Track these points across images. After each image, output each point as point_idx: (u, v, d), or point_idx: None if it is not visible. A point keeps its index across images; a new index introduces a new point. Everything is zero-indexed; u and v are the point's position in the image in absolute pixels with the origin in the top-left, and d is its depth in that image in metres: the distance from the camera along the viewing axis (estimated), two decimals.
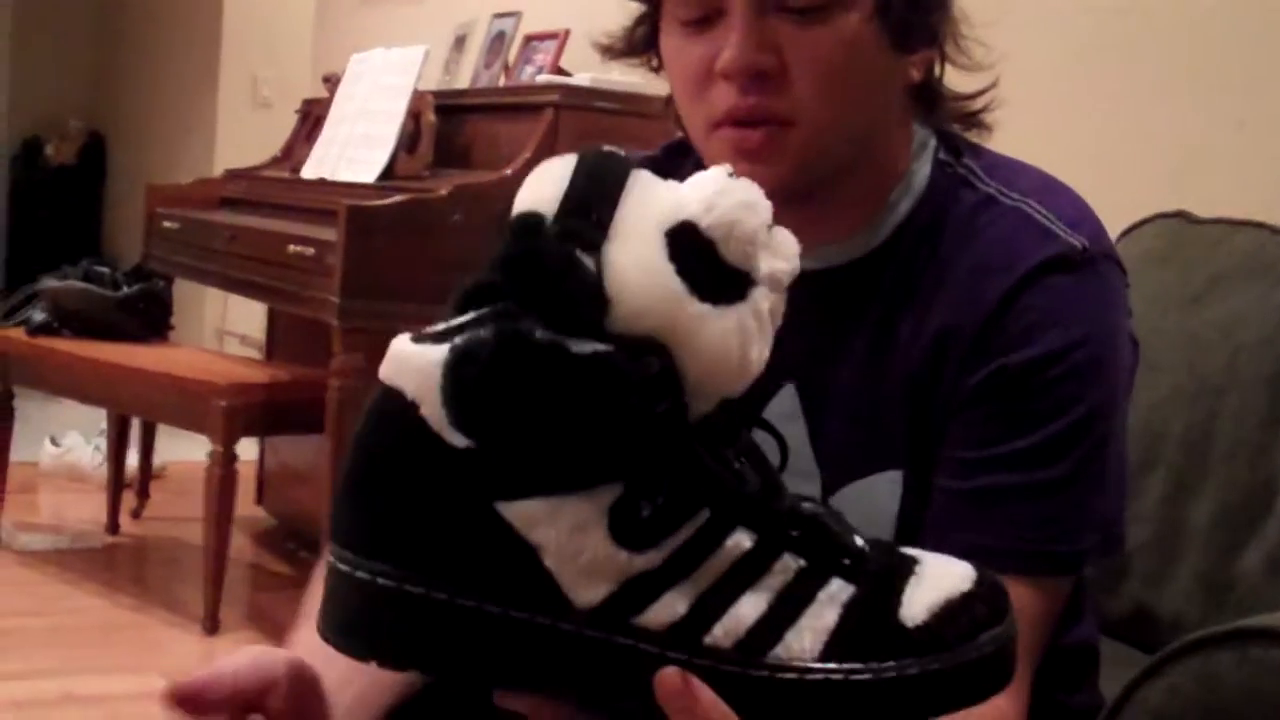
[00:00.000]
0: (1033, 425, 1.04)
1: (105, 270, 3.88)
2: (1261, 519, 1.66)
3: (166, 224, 4.07)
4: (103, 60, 7.46)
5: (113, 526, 4.04)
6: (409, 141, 3.44)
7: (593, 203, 0.72)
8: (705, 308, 0.72)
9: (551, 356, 0.69)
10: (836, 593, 0.76)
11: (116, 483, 4.03)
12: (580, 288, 0.70)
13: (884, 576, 0.78)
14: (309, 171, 3.77)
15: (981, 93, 1.17)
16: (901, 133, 1.14)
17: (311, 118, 4.21)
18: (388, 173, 3.42)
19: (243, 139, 5.56)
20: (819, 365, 1.14)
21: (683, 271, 0.71)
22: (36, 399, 4.13)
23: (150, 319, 3.86)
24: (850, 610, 0.75)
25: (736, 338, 0.73)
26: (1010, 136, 1.20)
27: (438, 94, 3.58)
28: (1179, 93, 2.32)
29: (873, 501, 1.12)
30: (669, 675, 0.72)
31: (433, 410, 0.71)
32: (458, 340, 0.70)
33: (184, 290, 4.31)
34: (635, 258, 0.71)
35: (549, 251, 0.71)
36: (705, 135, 1.09)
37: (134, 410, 3.82)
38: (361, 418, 0.74)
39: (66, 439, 4.63)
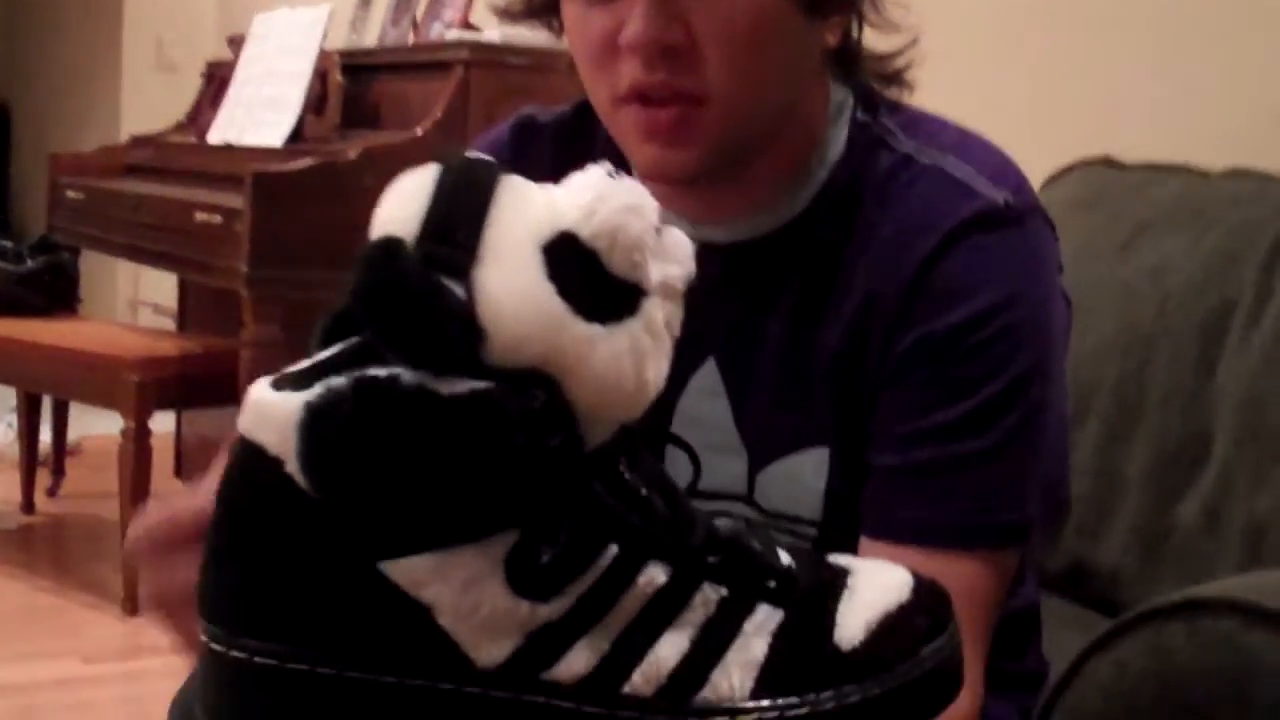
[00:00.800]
0: (965, 392, 1.00)
1: (8, 244, 3.79)
2: (1197, 468, 1.64)
3: (71, 194, 3.97)
4: (3, 29, 7.28)
5: (27, 506, 3.96)
6: (316, 103, 3.38)
7: (457, 221, 0.64)
8: (593, 329, 0.64)
9: (419, 403, 0.62)
10: (764, 621, 0.70)
11: (30, 461, 3.94)
12: (449, 319, 0.62)
13: (814, 597, 0.72)
14: (215, 136, 3.70)
15: (901, 51, 1.12)
16: (818, 96, 1.09)
17: (216, 80, 4.12)
18: (295, 136, 3.35)
19: (148, 103, 5.42)
20: (741, 339, 1.10)
21: (565, 291, 0.64)
22: None
23: (56, 292, 3.77)
24: (780, 639, 0.70)
25: (630, 358, 0.66)
26: (931, 88, 1.16)
27: (344, 53, 3.51)
28: (1100, 37, 2.29)
29: (800, 479, 1.08)
30: None
31: (295, 469, 0.63)
32: (311, 394, 0.62)
33: (95, 261, 4.21)
34: (509, 280, 0.64)
35: (410, 280, 0.63)
36: (610, 110, 1.03)
37: (43, 387, 3.74)
38: (223, 474, 0.67)
39: None
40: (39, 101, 6.92)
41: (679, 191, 1.08)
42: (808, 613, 0.71)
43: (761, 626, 0.70)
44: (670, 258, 0.70)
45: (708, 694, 0.68)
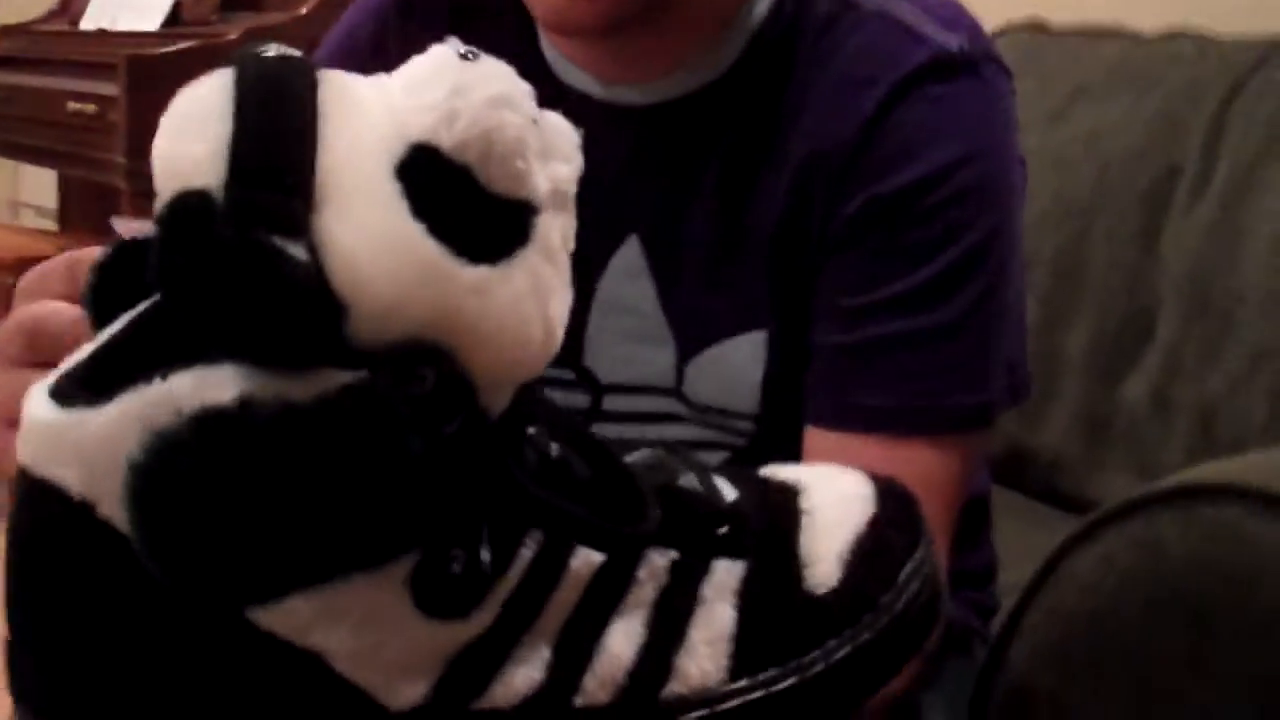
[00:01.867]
0: (919, 259, 0.90)
1: None
2: (1141, 346, 1.57)
3: None
4: None
5: None
6: None
7: (276, 152, 0.47)
8: (480, 271, 0.49)
9: (283, 427, 0.46)
10: (724, 580, 0.58)
11: None
12: (289, 294, 0.45)
13: (772, 534, 0.60)
14: (88, 22, 3.52)
15: None
16: None
17: None
18: (173, 19, 3.20)
19: None
20: (666, 213, 0.98)
21: (436, 228, 0.48)
22: None
23: None
24: (746, 597, 0.57)
25: (532, 299, 0.51)
26: None
27: None
28: None
29: (735, 366, 0.97)
30: None
31: (118, 512, 0.47)
32: (133, 442, 0.46)
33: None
34: (363, 226, 0.47)
35: (222, 251, 0.45)
36: None
37: None
38: (9, 528, 0.50)
39: None
40: None
41: (588, 45, 0.96)
42: (769, 557, 0.58)
43: (723, 587, 0.57)
44: (556, 154, 0.54)
45: (676, 686, 0.56)
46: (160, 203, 0.47)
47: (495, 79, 0.51)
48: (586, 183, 1.00)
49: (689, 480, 0.60)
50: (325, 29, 1.13)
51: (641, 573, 0.56)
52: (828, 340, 0.93)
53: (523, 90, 0.53)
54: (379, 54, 1.05)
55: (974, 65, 0.93)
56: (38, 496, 0.49)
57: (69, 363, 0.51)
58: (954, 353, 0.91)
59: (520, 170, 0.51)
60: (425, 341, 0.48)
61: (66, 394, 0.50)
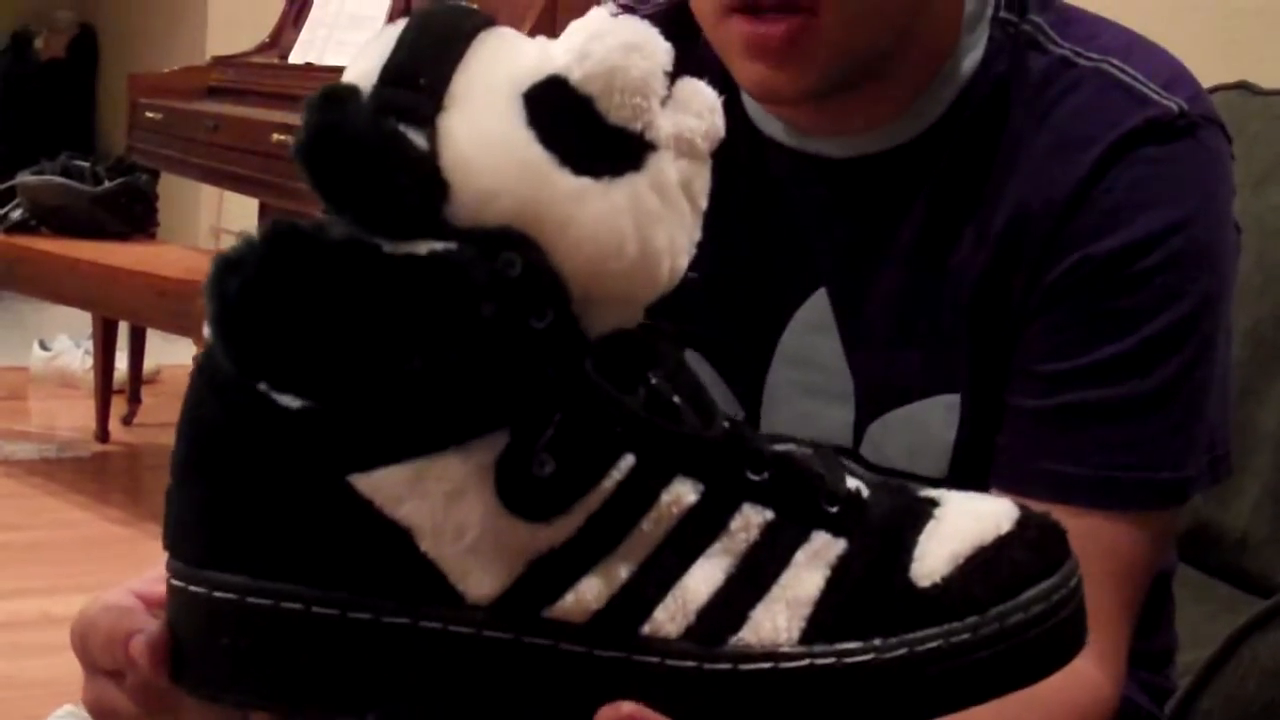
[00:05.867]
0: (1126, 326, 0.87)
1: (85, 164, 3.72)
2: None
3: (150, 115, 3.88)
4: None
5: (103, 434, 3.89)
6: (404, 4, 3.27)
7: (422, 66, 0.54)
8: (582, 182, 0.54)
9: (351, 257, 0.52)
10: (821, 550, 0.58)
11: (105, 388, 3.86)
12: (402, 169, 0.52)
13: (888, 525, 0.59)
14: (296, 56, 3.62)
15: None
16: None
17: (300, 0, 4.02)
18: None
19: (235, 25, 5.32)
20: (857, 267, 0.96)
21: (548, 140, 0.54)
22: (29, 301, 3.98)
23: (132, 215, 3.71)
24: (841, 571, 0.58)
25: (630, 218, 0.55)
26: None
27: None
28: None
29: (924, 430, 0.95)
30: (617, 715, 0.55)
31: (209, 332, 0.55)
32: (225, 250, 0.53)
33: (177, 185, 4.15)
34: (480, 127, 0.54)
35: (356, 127, 0.52)
36: (715, 21, 0.90)
37: (116, 312, 3.66)
38: (189, 385, 0.58)
39: (56, 342, 4.47)
40: (125, 24, 6.89)
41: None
42: (878, 542, 0.58)
43: (817, 556, 0.58)
44: (688, 108, 0.58)
45: (746, 635, 0.57)
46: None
47: (632, 29, 0.57)
48: (775, 232, 0.99)
49: (814, 464, 0.60)
50: None
51: (734, 523, 0.57)
52: (1023, 404, 0.91)
53: (662, 47, 0.58)
54: None
55: (1193, 128, 0.90)
56: (208, 360, 0.56)
57: None
58: (1155, 426, 0.88)
59: (640, 106, 0.56)
60: (518, 233, 0.54)
61: None
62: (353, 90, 0.54)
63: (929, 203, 0.94)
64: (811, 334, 0.99)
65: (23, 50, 7.25)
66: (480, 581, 0.55)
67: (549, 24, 2.97)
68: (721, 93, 0.98)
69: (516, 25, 2.38)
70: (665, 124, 0.57)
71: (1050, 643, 0.59)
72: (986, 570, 0.58)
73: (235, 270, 0.53)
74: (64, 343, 4.45)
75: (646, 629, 0.56)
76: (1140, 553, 0.89)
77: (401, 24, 0.56)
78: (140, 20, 6.67)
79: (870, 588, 0.58)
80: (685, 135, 0.57)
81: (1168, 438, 0.89)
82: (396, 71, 0.54)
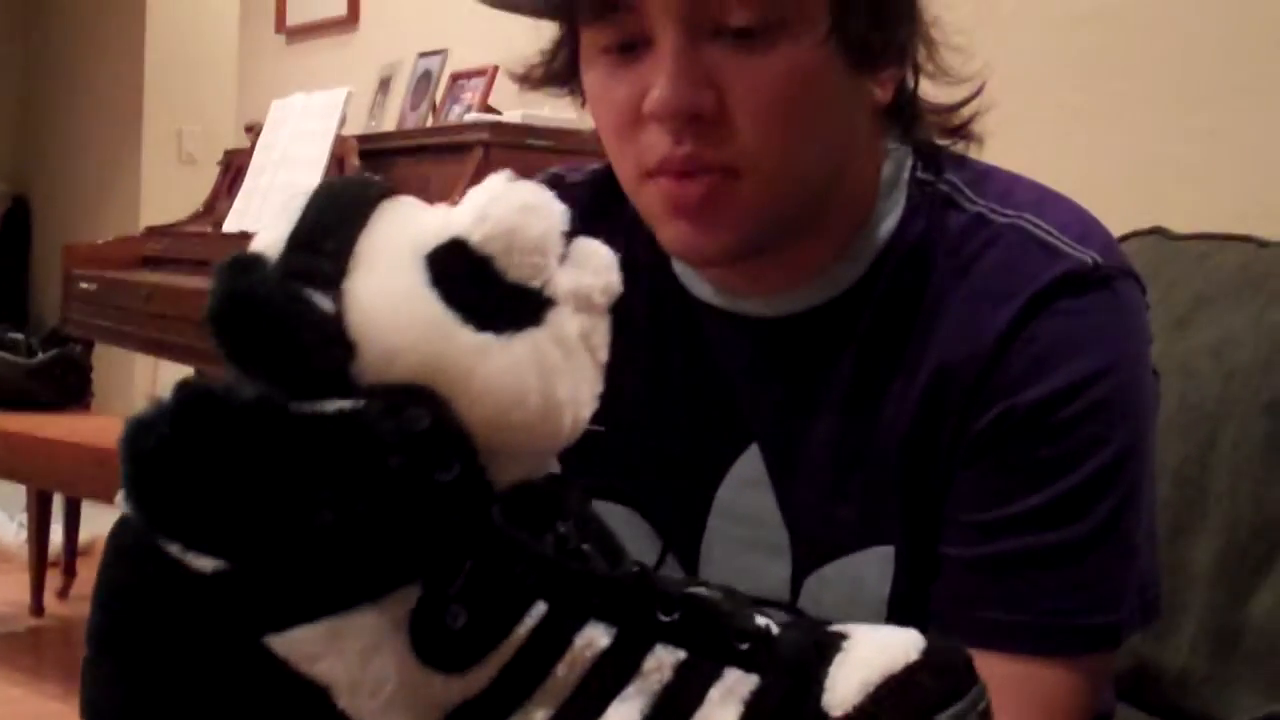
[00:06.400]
0: (1052, 475, 0.89)
1: (18, 337, 3.71)
2: (1271, 558, 1.51)
3: (84, 285, 3.89)
4: (24, 122, 7.27)
5: (37, 608, 3.82)
6: None
7: (326, 231, 0.57)
8: (484, 337, 0.57)
9: (257, 417, 0.53)
10: (734, 686, 0.60)
11: (40, 561, 3.80)
12: (308, 331, 0.54)
13: (799, 659, 0.61)
14: (231, 225, 3.62)
15: (965, 102, 1.01)
16: (871, 155, 0.98)
17: (233, 169, 4.05)
18: None
19: (168, 197, 5.38)
20: (788, 422, 0.98)
21: (449, 297, 0.56)
22: None
23: (67, 386, 3.69)
24: (755, 705, 0.59)
25: (532, 370, 0.57)
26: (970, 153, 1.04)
27: (362, 138, 3.43)
28: (1146, 103, 2.19)
29: (860, 583, 0.96)
30: None
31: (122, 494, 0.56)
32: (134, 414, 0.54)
33: (112, 355, 4.13)
34: (383, 289, 0.56)
35: (264, 291, 0.55)
36: (636, 184, 0.92)
37: (50, 484, 3.62)
38: (103, 553, 0.60)
39: None
40: (59, 195, 6.90)
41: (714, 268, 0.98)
42: (789, 676, 0.60)
43: (731, 692, 0.59)
44: (585, 265, 0.61)
45: None
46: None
47: (529, 192, 0.60)
48: (707, 390, 1.01)
49: (721, 603, 0.62)
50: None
51: (648, 664, 0.58)
52: (955, 553, 0.92)
53: (557, 209, 0.61)
54: None
55: (1108, 280, 0.92)
56: (121, 528, 0.58)
57: None
58: (1085, 571, 0.89)
59: (538, 265, 0.59)
60: (422, 389, 0.55)
61: None
62: (258, 258, 0.56)
63: (856, 359, 0.96)
64: (746, 489, 1.00)
65: None
66: None
67: None
68: (650, 254, 1.02)
69: (450, 193, 2.39)
70: (564, 280, 0.59)
71: None
72: (896, 697, 0.60)
73: (147, 432, 0.54)
74: None
75: None
76: (1076, 697, 0.90)
77: (308, 193, 0.59)
78: (74, 191, 6.68)
79: (785, 718, 0.59)
80: (583, 291, 0.60)
81: (1099, 582, 0.90)
82: (303, 238, 0.56)
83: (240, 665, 0.55)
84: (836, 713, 0.60)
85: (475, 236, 0.58)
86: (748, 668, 0.60)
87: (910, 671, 0.62)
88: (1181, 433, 1.61)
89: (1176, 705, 1.55)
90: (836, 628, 0.65)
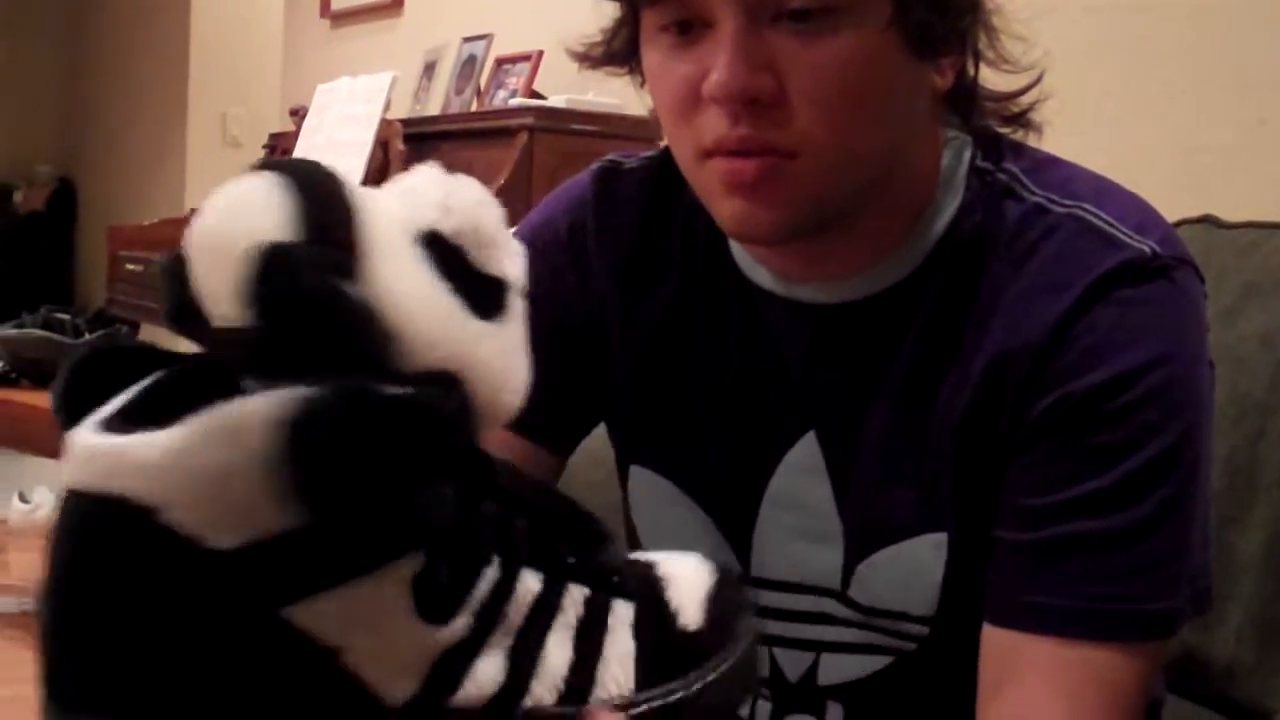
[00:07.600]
0: (1107, 461, 0.89)
1: (66, 317, 3.74)
2: None
3: (130, 267, 3.92)
4: (70, 105, 7.33)
5: None
6: (378, 172, 3.31)
7: (330, 220, 0.57)
8: (484, 326, 0.61)
9: (395, 411, 0.55)
10: (623, 614, 0.68)
11: None
12: (358, 322, 0.56)
13: (648, 588, 0.70)
14: None
15: (1025, 90, 1.01)
16: (930, 142, 0.98)
17: (278, 152, 4.08)
18: None
19: (213, 180, 5.27)
20: (845, 409, 0.98)
21: (450, 286, 0.60)
22: (8, 453, 3.96)
23: None
24: (640, 630, 0.68)
25: (517, 354, 0.63)
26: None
27: (406, 121, 3.45)
28: (1195, 91, 2.18)
29: (914, 568, 0.97)
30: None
31: (186, 514, 0.54)
32: (284, 405, 0.54)
33: (157, 336, 4.14)
34: (403, 278, 0.58)
35: (312, 286, 0.55)
36: (694, 164, 0.93)
37: None
38: (55, 540, 0.57)
39: (36, 494, 4.45)
40: (104, 178, 6.95)
41: (769, 248, 0.97)
42: (651, 603, 0.69)
43: (622, 620, 0.68)
44: (514, 253, 0.65)
45: (600, 692, 0.66)
46: (250, 250, 0.55)
47: (475, 187, 0.63)
48: (765, 377, 1.02)
49: (601, 539, 0.70)
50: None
51: (566, 600, 0.66)
52: (1010, 539, 0.92)
53: (493, 199, 0.63)
54: (574, 245, 1.08)
55: (1166, 269, 0.93)
56: (95, 511, 0.56)
57: (106, 409, 0.59)
58: (1139, 558, 0.89)
59: (498, 257, 0.62)
60: (447, 373, 0.58)
61: (116, 427, 0.57)
62: (291, 249, 0.56)
63: (913, 346, 0.96)
64: (801, 476, 1.01)
65: (2, 204, 7.31)
66: (399, 687, 0.59)
67: (526, 176, 3.01)
68: (711, 243, 1.02)
69: (494, 177, 2.39)
70: (509, 270, 0.63)
71: (751, 666, 0.71)
72: (719, 609, 0.70)
73: (314, 427, 0.54)
74: (43, 495, 4.43)
75: (529, 702, 0.63)
76: (1133, 683, 0.90)
77: (263, 182, 0.58)
78: (119, 174, 6.72)
79: (663, 639, 0.68)
80: (517, 275, 0.64)
81: (1154, 570, 0.90)
82: (313, 227, 0.56)
83: (256, 639, 0.56)
84: (693, 629, 0.68)
85: (446, 228, 0.61)
86: (625, 597, 0.68)
87: (719, 587, 0.71)
88: (1231, 422, 1.60)
89: (1224, 695, 1.55)
90: (637, 556, 0.73)
